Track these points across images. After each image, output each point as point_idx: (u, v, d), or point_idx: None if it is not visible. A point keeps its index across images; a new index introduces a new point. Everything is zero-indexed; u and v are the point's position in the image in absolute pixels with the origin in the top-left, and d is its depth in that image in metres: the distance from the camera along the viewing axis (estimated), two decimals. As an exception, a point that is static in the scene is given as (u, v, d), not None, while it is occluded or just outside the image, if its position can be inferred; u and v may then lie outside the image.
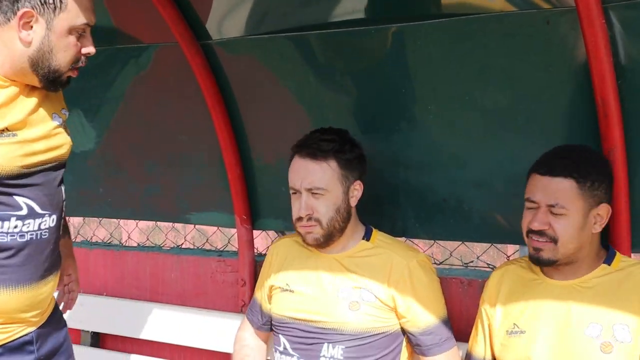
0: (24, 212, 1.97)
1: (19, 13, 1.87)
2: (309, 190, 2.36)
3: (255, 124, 2.89)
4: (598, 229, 2.07)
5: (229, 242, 3.72)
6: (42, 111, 2.03)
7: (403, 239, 2.66)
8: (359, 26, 2.52)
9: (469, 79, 2.39)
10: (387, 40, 2.50)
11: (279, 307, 2.49)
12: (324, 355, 2.36)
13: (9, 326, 2.02)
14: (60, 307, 2.40)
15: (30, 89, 2.00)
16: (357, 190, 2.43)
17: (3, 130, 1.90)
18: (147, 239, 4.07)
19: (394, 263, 2.37)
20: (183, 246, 3.71)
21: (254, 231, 3.05)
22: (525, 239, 2.12)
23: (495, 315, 2.21)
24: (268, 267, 2.61)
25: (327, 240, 2.40)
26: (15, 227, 1.96)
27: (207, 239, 3.87)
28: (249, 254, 3.02)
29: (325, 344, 2.37)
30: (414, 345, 2.39)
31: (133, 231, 4.67)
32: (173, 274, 3.28)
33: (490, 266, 2.97)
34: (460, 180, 2.50)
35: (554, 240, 2.04)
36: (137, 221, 4.15)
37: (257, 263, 3.04)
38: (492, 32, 2.30)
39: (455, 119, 2.46)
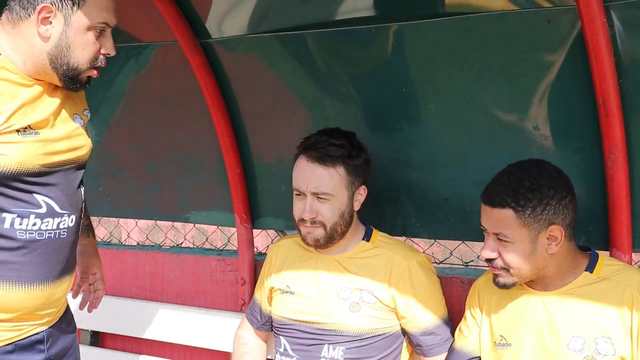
0: (44, 210, 1.99)
1: (38, 7, 1.91)
2: (315, 194, 2.33)
3: (255, 122, 2.88)
4: (554, 249, 2.02)
5: (228, 241, 3.72)
6: (64, 112, 2.05)
7: (403, 238, 2.66)
8: (359, 25, 2.52)
9: (469, 78, 2.39)
10: (388, 39, 2.49)
11: (280, 308, 2.49)
12: (324, 357, 2.36)
13: (21, 324, 2.03)
14: (86, 307, 2.42)
15: (53, 89, 2.02)
16: (361, 194, 2.41)
17: (26, 128, 1.93)
18: (147, 238, 4.07)
19: (395, 263, 2.37)
20: (183, 245, 3.71)
21: (254, 230, 3.05)
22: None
23: (482, 323, 2.21)
24: (268, 267, 2.61)
25: (327, 242, 2.38)
26: (34, 224, 1.98)
27: (207, 238, 3.87)
28: (248, 253, 3.02)
29: (326, 345, 2.37)
30: (415, 345, 2.39)
31: (133, 230, 4.68)
32: (173, 273, 3.27)
33: (490, 265, 2.97)
34: (461, 180, 2.50)
35: (505, 269, 2.04)
36: (136, 220, 4.15)
37: (257, 262, 3.03)
38: (492, 31, 2.30)
39: (456, 118, 2.46)
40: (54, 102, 2.02)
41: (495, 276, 2.08)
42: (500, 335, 2.14)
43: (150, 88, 3.04)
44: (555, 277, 2.06)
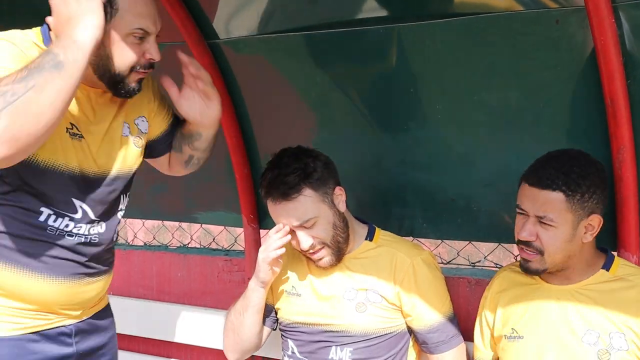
0: (79, 215, 2.02)
1: None
2: (300, 226, 2.32)
3: (262, 123, 2.89)
4: (589, 238, 2.04)
5: (235, 242, 3.73)
6: (113, 122, 2.09)
7: (410, 238, 2.66)
8: (367, 25, 2.52)
9: (477, 78, 2.39)
10: (396, 39, 2.49)
11: (287, 311, 2.49)
12: (332, 359, 2.36)
13: (47, 314, 2.06)
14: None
15: (101, 95, 2.05)
16: (340, 195, 2.37)
17: (73, 129, 1.97)
18: (154, 238, 4.07)
19: (398, 261, 2.37)
20: (189, 245, 3.71)
21: (261, 231, 3.05)
22: (517, 245, 2.11)
23: (495, 322, 2.22)
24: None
25: (339, 257, 2.38)
26: (67, 226, 2.00)
27: (214, 239, 3.87)
28: (255, 254, 2.98)
29: (334, 347, 2.37)
30: (421, 343, 2.40)
31: (139, 230, 4.68)
32: (179, 273, 3.28)
33: (497, 266, 2.97)
34: (468, 180, 2.51)
35: (541, 252, 2.04)
36: (143, 220, 4.16)
37: (263, 263, 3.03)
38: (500, 31, 2.30)
39: (464, 118, 2.46)
40: (102, 108, 2.06)
41: (526, 261, 2.08)
42: (512, 329, 2.14)
43: (158, 88, 3.04)
44: (576, 271, 2.08)
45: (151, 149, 2.31)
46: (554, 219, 2.00)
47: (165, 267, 3.34)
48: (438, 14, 2.38)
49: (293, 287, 2.49)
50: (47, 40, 1.97)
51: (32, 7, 2.54)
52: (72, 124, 1.98)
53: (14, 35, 1.93)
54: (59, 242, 2.00)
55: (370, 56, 2.57)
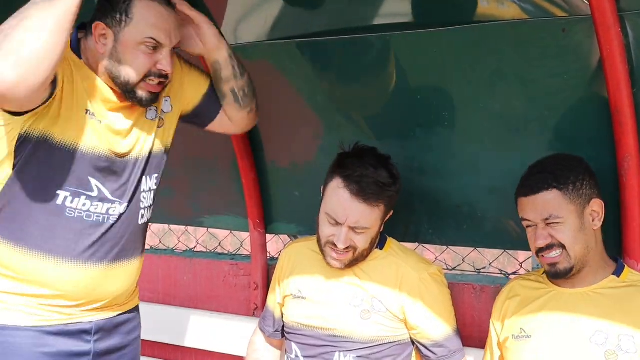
0: (95, 194, 2.07)
1: (93, 25, 2.06)
2: (352, 228, 2.31)
3: (269, 128, 2.90)
4: (598, 224, 2.10)
5: (241, 246, 3.73)
6: (134, 109, 2.14)
7: (416, 244, 2.66)
8: (373, 32, 2.54)
9: (483, 86, 2.40)
10: (402, 47, 2.51)
11: (292, 313, 2.50)
12: (336, 364, 2.37)
13: (68, 309, 2.09)
14: None
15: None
16: (389, 217, 2.41)
17: (91, 113, 2.05)
18: (160, 242, 4.08)
19: (405, 274, 2.38)
20: (195, 249, 3.72)
21: (267, 235, 3.07)
22: (537, 258, 2.14)
23: (503, 328, 2.23)
24: (280, 273, 2.61)
25: (350, 265, 2.38)
26: (84, 205, 2.05)
27: (220, 243, 3.88)
28: (262, 258, 3.03)
29: (337, 353, 2.37)
30: (424, 356, 2.40)
31: (145, 234, 4.69)
32: (186, 277, 3.29)
33: (502, 272, 2.97)
34: (473, 187, 2.51)
35: (562, 246, 2.07)
36: (149, 224, 4.16)
37: (269, 267, 3.04)
38: (507, 39, 2.32)
39: (470, 125, 2.47)
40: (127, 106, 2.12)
41: (553, 266, 2.09)
42: (521, 329, 2.15)
43: (166, 93, 3.05)
44: (590, 269, 2.10)
45: (203, 115, 2.39)
46: (559, 216, 2.06)
47: (171, 270, 3.35)
48: (444, 22, 2.40)
49: (299, 290, 2.49)
50: (74, 45, 2.07)
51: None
52: (90, 110, 2.05)
53: None
54: (77, 224, 2.05)
55: (376, 63, 2.59)
